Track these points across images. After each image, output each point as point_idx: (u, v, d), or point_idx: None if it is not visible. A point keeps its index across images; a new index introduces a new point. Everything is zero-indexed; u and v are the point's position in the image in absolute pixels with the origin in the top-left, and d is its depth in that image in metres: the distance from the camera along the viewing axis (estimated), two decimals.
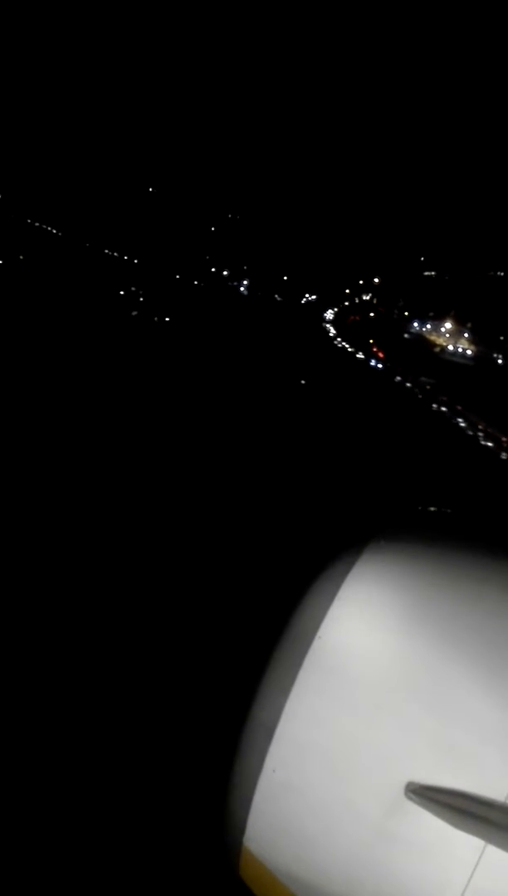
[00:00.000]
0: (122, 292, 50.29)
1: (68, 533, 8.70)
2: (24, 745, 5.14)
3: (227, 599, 7.29)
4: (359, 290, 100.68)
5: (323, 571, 1.90)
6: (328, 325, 78.37)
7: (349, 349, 60.02)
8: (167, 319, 43.16)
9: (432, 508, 2.17)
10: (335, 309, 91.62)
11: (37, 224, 72.61)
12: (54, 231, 73.62)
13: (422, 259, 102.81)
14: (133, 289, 52.06)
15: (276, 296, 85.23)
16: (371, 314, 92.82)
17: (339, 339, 65.35)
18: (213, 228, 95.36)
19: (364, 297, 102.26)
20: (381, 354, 63.26)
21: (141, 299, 48.25)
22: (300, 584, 1.91)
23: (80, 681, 5.93)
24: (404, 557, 1.88)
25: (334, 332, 71.71)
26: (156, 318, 42.45)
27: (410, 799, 1.68)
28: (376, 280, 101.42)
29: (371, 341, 67.94)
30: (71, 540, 8.49)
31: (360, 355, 57.64)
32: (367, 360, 56.05)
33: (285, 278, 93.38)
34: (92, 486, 10.66)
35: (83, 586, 7.46)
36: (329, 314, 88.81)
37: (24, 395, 15.51)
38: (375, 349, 65.65)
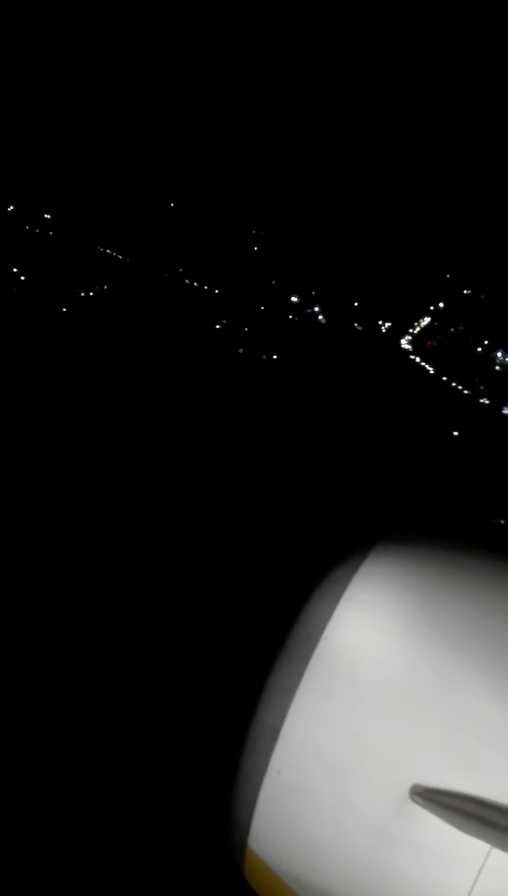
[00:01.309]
0: (217, 326, 47.38)
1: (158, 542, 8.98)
2: (27, 745, 5.09)
3: (234, 599, 7.19)
4: (426, 315, 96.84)
5: (329, 572, 1.89)
6: (416, 358, 75.03)
7: (465, 391, 56.32)
8: (275, 357, 40.02)
9: (438, 511, 2.14)
10: (409, 336, 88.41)
11: (107, 251, 70.02)
12: (119, 256, 71.03)
13: (448, 276, 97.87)
14: (225, 321, 49.12)
15: (356, 324, 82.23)
16: (444, 339, 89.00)
17: (446, 378, 61.73)
18: (256, 248, 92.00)
19: (423, 322, 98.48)
20: (483, 388, 59.76)
21: (241, 334, 45.21)
22: (307, 585, 1.89)
23: (85, 682, 5.82)
24: (410, 559, 1.87)
25: (433, 369, 68.05)
26: (264, 356, 39.35)
27: (415, 801, 1.66)
28: (441, 304, 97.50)
29: (476, 379, 64.37)
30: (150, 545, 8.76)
31: (485, 401, 53.95)
32: (497, 406, 52.25)
33: (356, 304, 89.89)
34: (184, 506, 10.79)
35: (90, 587, 7.48)
36: (405, 342, 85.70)
37: (146, 433, 15.20)
38: (476, 381, 62.08)
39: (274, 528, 10.18)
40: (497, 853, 1.62)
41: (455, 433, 30.32)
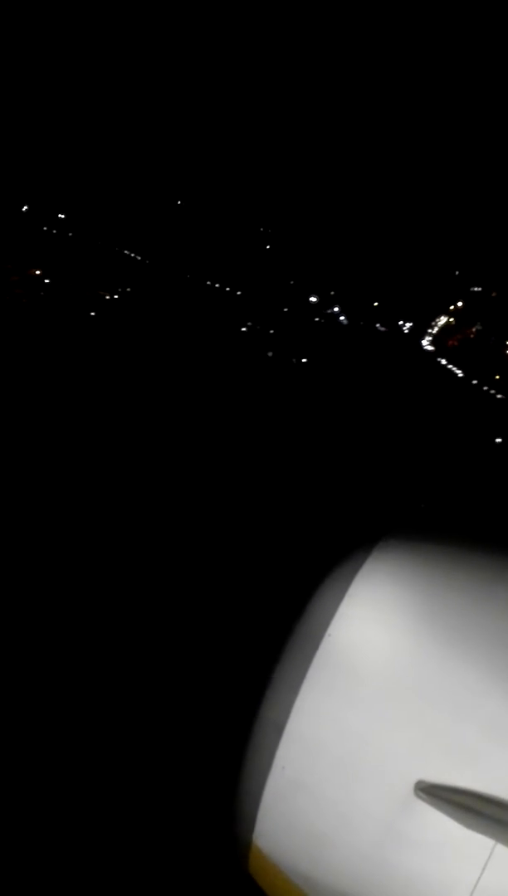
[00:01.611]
0: (243, 329, 46.67)
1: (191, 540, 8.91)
2: (32, 741, 5.04)
3: (238, 596, 7.04)
4: (442, 314, 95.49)
5: (333, 570, 1.90)
6: (443, 360, 73.86)
7: (498, 395, 54.93)
8: (304, 360, 39.27)
9: (441, 508, 2.27)
10: (430, 337, 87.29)
11: (126, 252, 69.57)
12: (138, 257, 70.54)
13: (457, 273, 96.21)
14: (250, 324, 48.40)
15: (378, 325, 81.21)
16: (465, 339, 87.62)
17: (480, 383, 60.40)
18: (268, 246, 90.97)
19: (440, 321, 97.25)
20: None
21: (267, 337, 44.46)
22: (311, 582, 1.90)
23: (87, 679, 5.75)
24: (414, 556, 1.88)
25: (462, 372, 66.69)
26: (294, 360, 38.61)
27: (419, 798, 1.66)
28: (459, 304, 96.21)
29: (498, 377, 63.32)
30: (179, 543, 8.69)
31: None
32: None
33: (376, 304, 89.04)
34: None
35: (92, 581, 7.35)
36: (427, 343, 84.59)
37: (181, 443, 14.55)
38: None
39: (279, 525, 10.07)
40: (501, 849, 1.62)
41: (498, 439, 29.53)
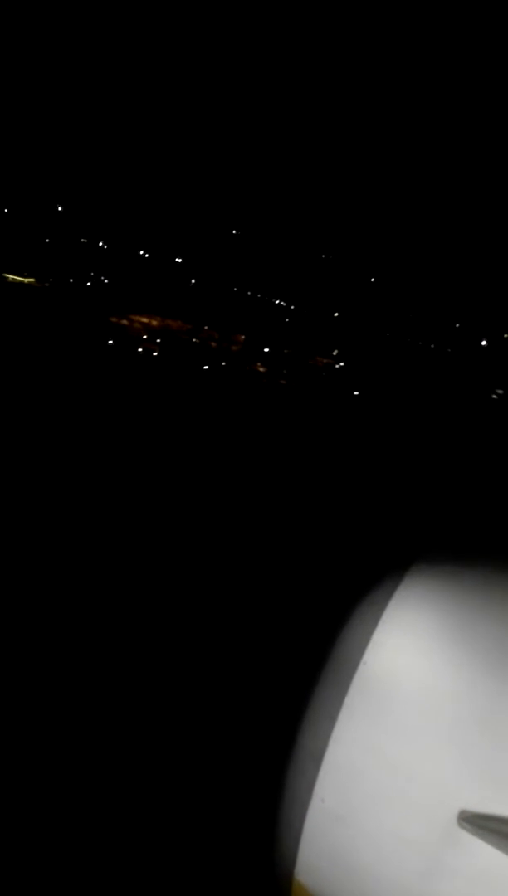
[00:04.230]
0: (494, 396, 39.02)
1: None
2: (63, 771, 4.96)
3: (270, 624, 6.83)
4: None
5: (366, 596, 1.87)
6: None
7: None
8: None
9: (478, 529, 2.06)
10: None
11: (278, 302, 63.01)
12: (291, 306, 63.94)
13: None
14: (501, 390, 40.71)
15: None
16: None
17: None
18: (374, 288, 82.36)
19: None
20: None
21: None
22: (343, 610, 1.87)
23: (122, 717, 5.67)
24: (448, 580, 1.83)
25: None
26: None
27: (463, 828, 1.62)
28: None
29: None
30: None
31: None
32: None
33: None
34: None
35: (128, 615, 7.15)
36: None
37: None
38: None
39: (313, 552, 9.34)
40: None
41: None
